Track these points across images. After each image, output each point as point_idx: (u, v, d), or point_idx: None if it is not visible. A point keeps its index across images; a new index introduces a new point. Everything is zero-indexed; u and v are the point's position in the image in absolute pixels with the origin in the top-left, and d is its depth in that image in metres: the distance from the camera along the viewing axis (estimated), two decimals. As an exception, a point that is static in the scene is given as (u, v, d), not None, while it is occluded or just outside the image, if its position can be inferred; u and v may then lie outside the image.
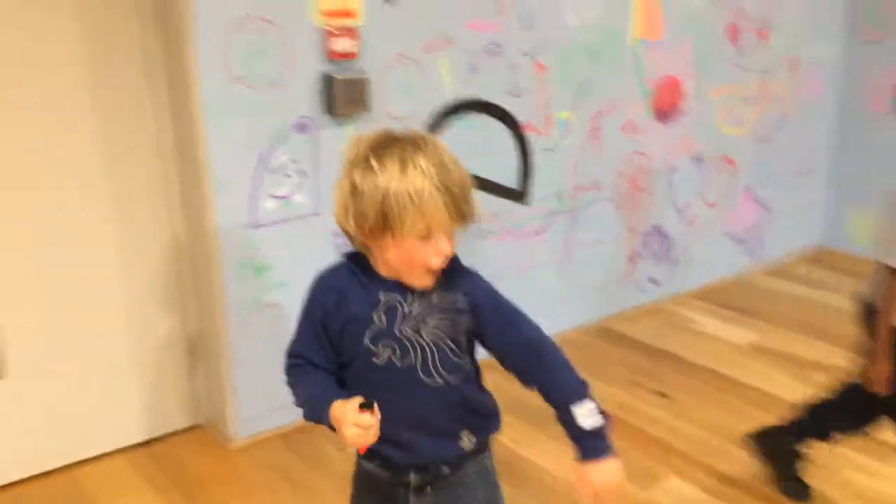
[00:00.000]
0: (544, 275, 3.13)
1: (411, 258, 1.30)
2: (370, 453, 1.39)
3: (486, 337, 1.40)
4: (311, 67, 2.37)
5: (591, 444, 1.38)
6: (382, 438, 1.30)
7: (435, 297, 1.35)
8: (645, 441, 2.55)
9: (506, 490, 2.23)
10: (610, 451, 1.37)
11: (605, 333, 3.28)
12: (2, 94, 2.11)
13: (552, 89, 2.94)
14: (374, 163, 1.25)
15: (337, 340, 1.38)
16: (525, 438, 2.54)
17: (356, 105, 2.44)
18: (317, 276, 1.41)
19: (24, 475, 2.32)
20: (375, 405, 1.26)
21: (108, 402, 2.43)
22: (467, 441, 1.43)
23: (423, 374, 1.36)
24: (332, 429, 1.31)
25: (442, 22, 2.61)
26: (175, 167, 2.39)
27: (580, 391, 1.39)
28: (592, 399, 1.39)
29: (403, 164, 1.24)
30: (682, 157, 3.45)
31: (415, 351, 1.35)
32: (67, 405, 2.36)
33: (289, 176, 2.40)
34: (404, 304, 1.34)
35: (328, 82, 2.39)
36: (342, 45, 2.39)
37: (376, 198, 1.25)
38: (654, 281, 3.51)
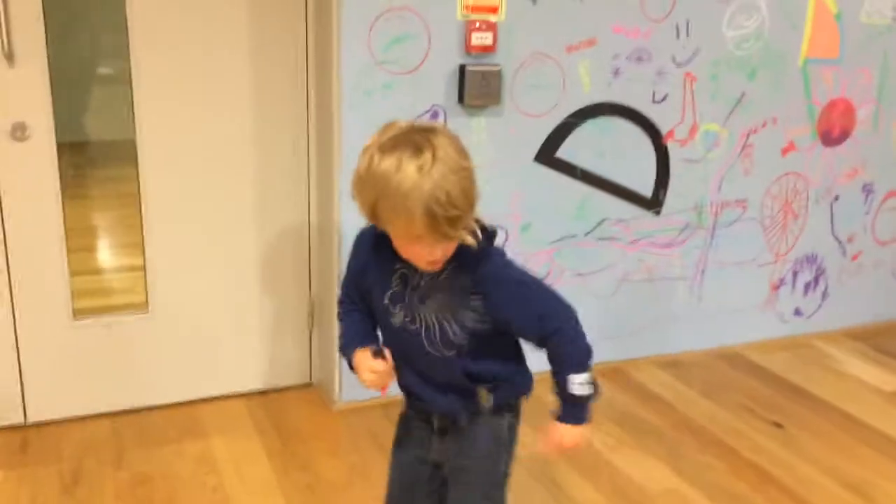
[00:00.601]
0: (674, 289, 3.04)
1: (405, 251, 1.38)
2: (406, 398, 1.57)
3: (499, 321, 1.43)
4: (449, 58, 2.47)
5: (571, 410, 1.48)
6: (407, 387, 1.46)
7: (444, 276, 1.40)
8: (742, 466, 2.43)
9: (589, 493, 2.25)
10: (585, 420, 1.48)
11: (732, 358, 3.14)
12: (175, 70, 2.38)
13: (701, 101, 2.86)
14: (377, 157, 1.30)
15: (367, 294, 1.50)
16: (621, 448, 2.50)
17: (487, 97, 2.51)
18: (359, 232, 1.52)
19: (153, 403, 2.60)
20: (387, 352, 1.42)
21: (234, 349, 2.66)
22: (484, 396, 1.51)
23: (427, 343, 1.45)
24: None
25: (586, 24, 2.62)
26: (314, 143, 2.58)
27: (582, 363, 1.45)
28: (590, 370, 1.46)
29: (398, 168, 1.27)
30: (849, 186, 3.23)
31: (420, 321, 1.44)
32: (199, 346, 2.61)
33: (415, 159, 2.52)
34: (414, 277, 1.42)
35: (462, 73, 2.48)
36: (481, 38, 2.47)
37: (370, 197, 1.31)
38: (798, 313, 3.31)
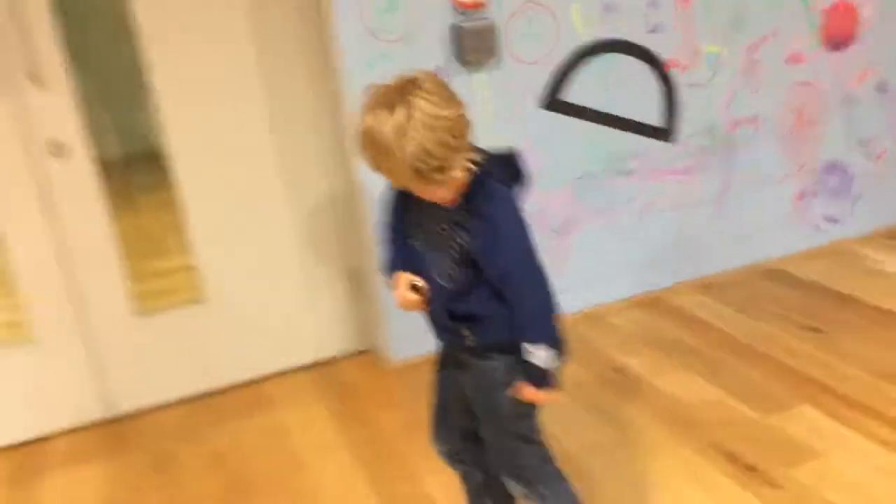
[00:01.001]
0: (698, 214, 3.12)
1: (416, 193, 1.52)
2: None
3: (474, 254, 1.51)
4: (442, 19, 2.59)
5: (532, 374, 1.54)
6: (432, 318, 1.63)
7: (452, 210, 1.52)
8: (779, 370, 2.52)
9: (633, 412, 2.34)
10: (545, 386, 1.55)
11: (768, 273, 3.20)
12: (190, 71, 2.55)
13: (698, 24, 2.92)
14: (363, 119, 1.44)
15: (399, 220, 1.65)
16: (662, 370, 2.61)
17: (484, 53, 2.62)
18: None
19: (221, 385, 2.81)
20: (423, 286, 1.59)
21: (287, 326, 2.85)
22: (467, 336, 1.59)
23: (438, 270, 1.58)
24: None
25: (572, -34, 2.71)
26: (330, 119, 2.73)
27: (537, 338, 1.51)
28: (546, 349, 1.51)
29: (379, 129, 1.40)
30: (863, 88, 3.24)
31: (431, 248, 1.57)
32: (255, 328, 2.80)
33: (426, 123, 2.64)
34: (431, 209, 1.54)
35: (457, 32, 2.59)
36: (469, -4, 2.58)
37: (365, 155, 1.47)
38: (831, 219, 3.34)
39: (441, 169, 1.43)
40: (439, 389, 1.76)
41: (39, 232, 2.52)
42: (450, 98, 1.46)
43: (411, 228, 1.62)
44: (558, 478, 1.71)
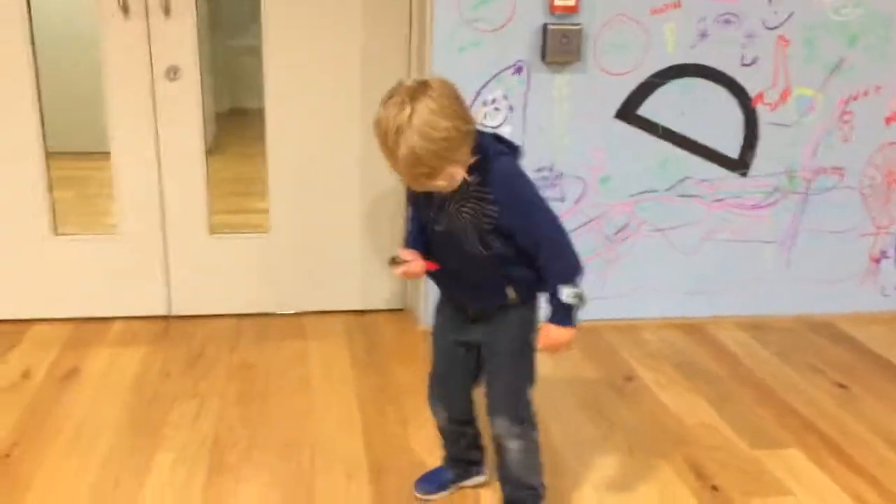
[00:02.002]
0: (761, 252, 3.10)
1: None
2: (443, 292, 1.89)
3: (504, 226, 1.66)
4: (534, 17, 2.72)
5: (560, 314, 1.71)
6: (444, 284, 1.84)
7: (472, 188, 1.64)
8: (788, 415, 2.50)
9: (625, 416, 2.43)
10: (571, 324, 1.72)
11: (821, 327, 3.13)
12: (299, 43, 2.82)
13: (794, 65, 2.91)
14: (378, 112, 1.58)
15: (420, 207, 1.78)
16: (672, 386, 2.65)
17: (567, 55, 2.73)
18: None
19: (270, 311, 3.07)
20: (400, 257, 1.78)
21: (338, 272, 3.08)
22: (512, 294, 1.76)
23: (465, 244, 1.70)
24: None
25: (672, -13, 2.78)
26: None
27: (570, 278, 1.69)
28: (577, 285, 1.70)
29: (385, 127, 1.54)
30: (968, 162, 3.12)
31: (459, 225, 1.68)
32: (309, 267, 3.05)
33: (498, 109, 2.79)
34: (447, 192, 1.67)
35: (544, 32, 2.72)
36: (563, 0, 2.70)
37: (375, 133, 1.60)
38: (903, 288, 3.24)
39: (429, 175, 1.57)
40: (440, 355, 1.94)
41: (145, 145, 2.86)
42: (453, 110, 1.55)
43: (433, 212, 1.72)
44: (535, 422, 1.90)
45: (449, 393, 1.96)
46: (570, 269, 1.70)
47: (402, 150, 1.53)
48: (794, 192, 3.06)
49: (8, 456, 2.16)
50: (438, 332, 1.93)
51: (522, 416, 1.86)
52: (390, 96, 1.57)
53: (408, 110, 1.51)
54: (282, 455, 2.21)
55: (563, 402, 2.54)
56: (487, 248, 1.69)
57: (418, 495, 2.04)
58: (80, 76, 3.32)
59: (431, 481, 2.06)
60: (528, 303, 1.81)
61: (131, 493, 2.04)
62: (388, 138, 1.54)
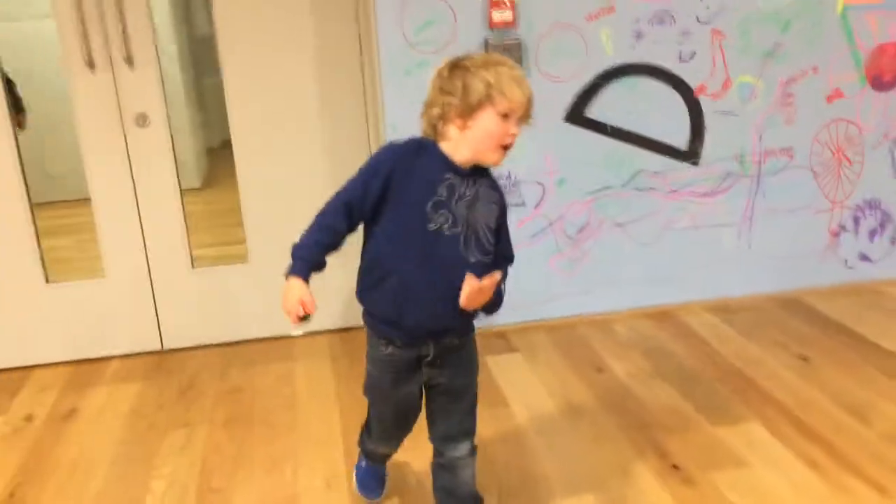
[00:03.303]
0: (721, 236, 3.22)
1: (490, 135, 1.65)
2: (387, 338, 1.80)
3: (500, 226, 1.76)
4: (475, 34, 2.86)
5: (498, 301, 1.76)
6: (410, 298, 1.72)
7: (483, 189, 1.71)
8: (749, 390, 2.62)
9: (587, 398, 2.59)
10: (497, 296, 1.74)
11: (788, 303, 3.25)
12: (256, 72, 2.97)
13: (732, 55, 3.04)
14: (468, 63, 1.66)
15: (395, 199, 1.69)
16: (639, 374, 2.77)
17: (510, 66, 2.88)
18: (390, 144, 1.76)
19: (255, 336, 3.22)
20: (308, 320, 1.78)
21: (320, 293, 3.20)
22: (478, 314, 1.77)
23: (464, 245, 1.70)
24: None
25: (605, -7, 2.91)
26: (371, 118, 3.07)
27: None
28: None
29: (510, 67, 1.66)
30: (914, 130, 3.23)
31: (463, 225, 1.69)
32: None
33: (451, 124, 2.93)
34: (460, 186, 1.68)
35: (486, 47, 2.86)
36: (500, 15, 2.84)
37: (474, 83, 1.63)
38: (865, 258, 3.34)
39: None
40: (393, 408, 1.91)
41: (122, 189, 3.01)
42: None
43: (425, 203, 1.67)
44: None
45: (402, 434, 2.00)
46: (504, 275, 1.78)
47: (526, 83, 1.66)
48: (745, 176, 3.17)
49: (12, 496, 2.31)
50: (392, 387, 1.85)
51: (475, 431, 1.89)
52: (479, 59, 1.68)
53: (507, 61, 1.68)
54: (266, 470, 2.35)
55: (534, 393, 2.67)
56: (485, 250, 1.72)
57: (373, 500, 2.15)
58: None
59: (373, 486, 2.15)
60: (472, 335, 1.85)
61: (126, 518, 2.18)
62: (508, 79, 1.63)
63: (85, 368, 3.07)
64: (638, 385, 2.70)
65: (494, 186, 1.75)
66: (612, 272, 3.19)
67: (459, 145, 1.68)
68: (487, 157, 1.68)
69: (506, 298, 1.79)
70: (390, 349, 1.80)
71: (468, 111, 1.64)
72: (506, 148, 1.68)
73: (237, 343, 3.20)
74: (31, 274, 3.05)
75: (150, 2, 2.87)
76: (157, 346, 3.18)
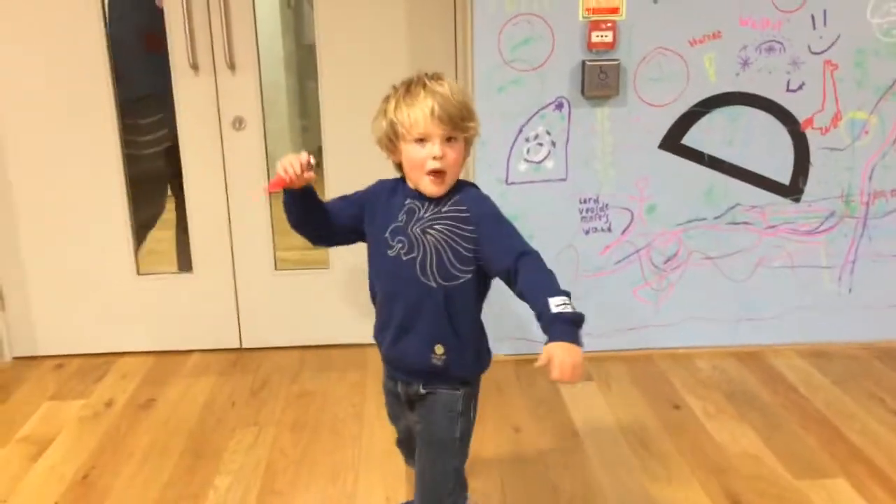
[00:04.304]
0: (819, 277, 3.05)
1: (413, 164, 1.64)
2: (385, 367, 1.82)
3: (482, 244, 1.62)
4: (572, 55, 2.81)
5: (559, 329, 1.46)
6: (384, 337, 1.74)
7: (445, 207, 1.65)
8: (837, 443, 2.46)
9: (665, 445, 2.43)
10: (575, 339, 1.45)
11: (886, 354, 3.04)
12: (350, 80, 3.00)
13: (844, 89, 2.88)
14: (390, 94, 1.70)
15: (369, 225, 1.74)
16: (719, 415, 2.65)
17: (606, 89, 2.80)
18: (379, 180, 1.80)
19: (334, 342, 3.23)
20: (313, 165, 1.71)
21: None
22: (438, 355, 1.67)
23: (420, 271, 1.64)
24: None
25: (710, 19, 2.80)
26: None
27: (557, 288, 1.52)
28: (566, 294, 1.51)
29: (406, 89, 1.65)
30: None
31: (419, 249, 1.64)
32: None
33: (541, 145, 2.88)
34: (420, 209, 1.67)
35: (583, 68, 2.80)
36: (600, 37, 2.78)
37: (379, 118, 1.69)
38: (977, 313, 3.11)
39: (465, 124, 1.65)
40: (400, 432, 1.95)
41: (215, 188, 3.09)
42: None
43: (385, 230, 1.68)
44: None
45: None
46: (554, 278, 1.55)
47: (451, 96, 1.61)
48: (851, 217, 3.00)
49: (86, 477, 2.38)
50: (389, 414, 1.93)
51: None
52: (400, 86, 1.69)
53: (433, 81, 1.65)
54: (328, 479, 2.35)
55: (605, 428, 2.58)
56: (448, 275, 1.64)
57: None
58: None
59: None
60: (458, 386, 1.72)
61: (188, 512, 2.22)
62: (419, 101, 1.61)
63: (166, 360, 3.16)
64: (716, 426, 2.58)
65: (464, 200, 1.65)
66: (699, 306, 3.07)
67: (407, 178, 1.72)
68: (422, 187, 1.67)
69: (584, 327, 1.51)
70: (384, 377, 1.87)
71: (390, 145, 1.70)
72: (435, 173, 1.62)
73: (313, 347, 3.23)
74: (125, 265, 3.16)
75: (255, 10, 2.94)
76: (236, 344, 3.24)
